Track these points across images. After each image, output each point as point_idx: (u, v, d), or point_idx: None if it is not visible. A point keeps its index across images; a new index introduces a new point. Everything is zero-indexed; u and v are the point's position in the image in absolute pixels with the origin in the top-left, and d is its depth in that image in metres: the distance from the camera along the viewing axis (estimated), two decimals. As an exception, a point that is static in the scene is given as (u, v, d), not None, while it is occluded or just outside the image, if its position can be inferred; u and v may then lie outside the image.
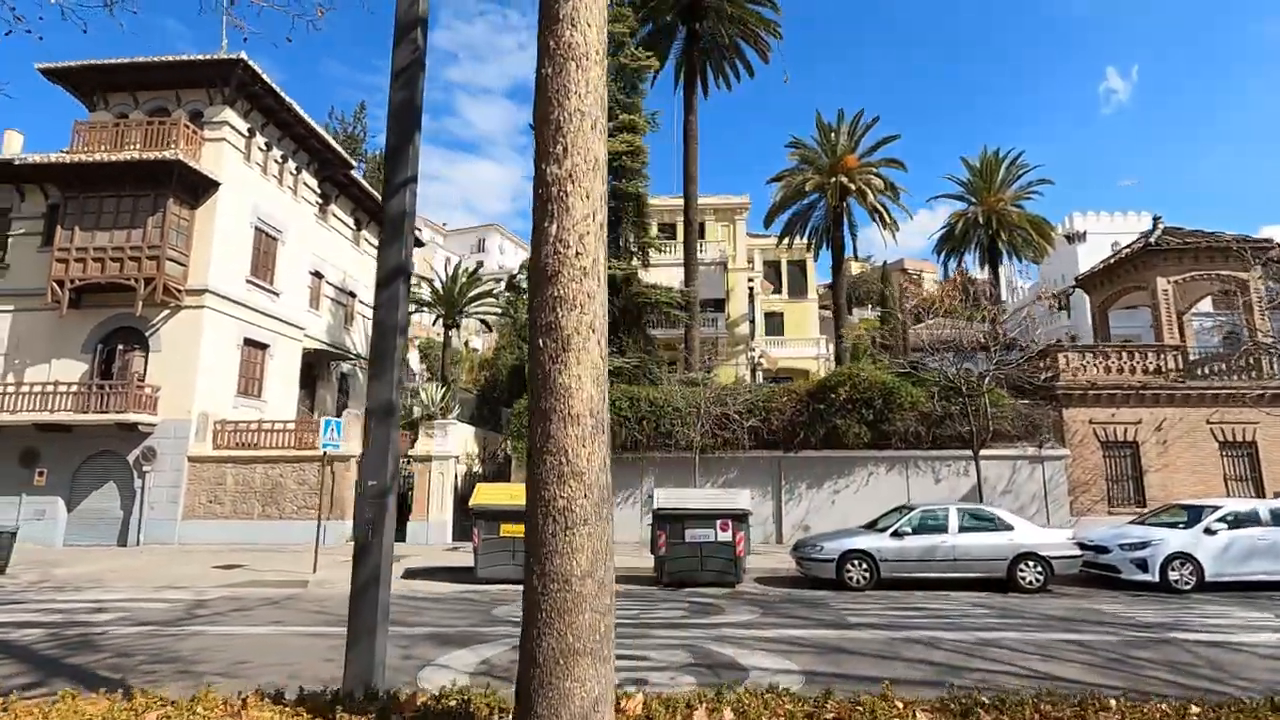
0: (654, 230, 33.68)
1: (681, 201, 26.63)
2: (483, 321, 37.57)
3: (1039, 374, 18.63)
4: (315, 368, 26.83)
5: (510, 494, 12.20)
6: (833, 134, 28.00)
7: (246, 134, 22.03)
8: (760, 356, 33.39)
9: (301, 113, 23.20)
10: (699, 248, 32.78)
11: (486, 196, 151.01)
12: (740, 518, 11.51)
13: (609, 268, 21.89)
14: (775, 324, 38.88)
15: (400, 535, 18.84)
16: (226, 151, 21.02)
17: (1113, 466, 17.86)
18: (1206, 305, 27.68)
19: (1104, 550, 11.86)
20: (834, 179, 26.79)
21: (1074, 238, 46.32)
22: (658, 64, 23.10)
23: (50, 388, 18.80)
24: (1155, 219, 20.64)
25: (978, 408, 16.39)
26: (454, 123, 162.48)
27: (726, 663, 6.54)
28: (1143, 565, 11.25)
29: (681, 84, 25.99)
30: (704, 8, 24.93)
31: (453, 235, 75.54)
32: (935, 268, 66.17)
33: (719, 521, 11.47)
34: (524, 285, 41.89)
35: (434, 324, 35.65)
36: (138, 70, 20.59)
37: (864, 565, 11.30)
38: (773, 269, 39.83)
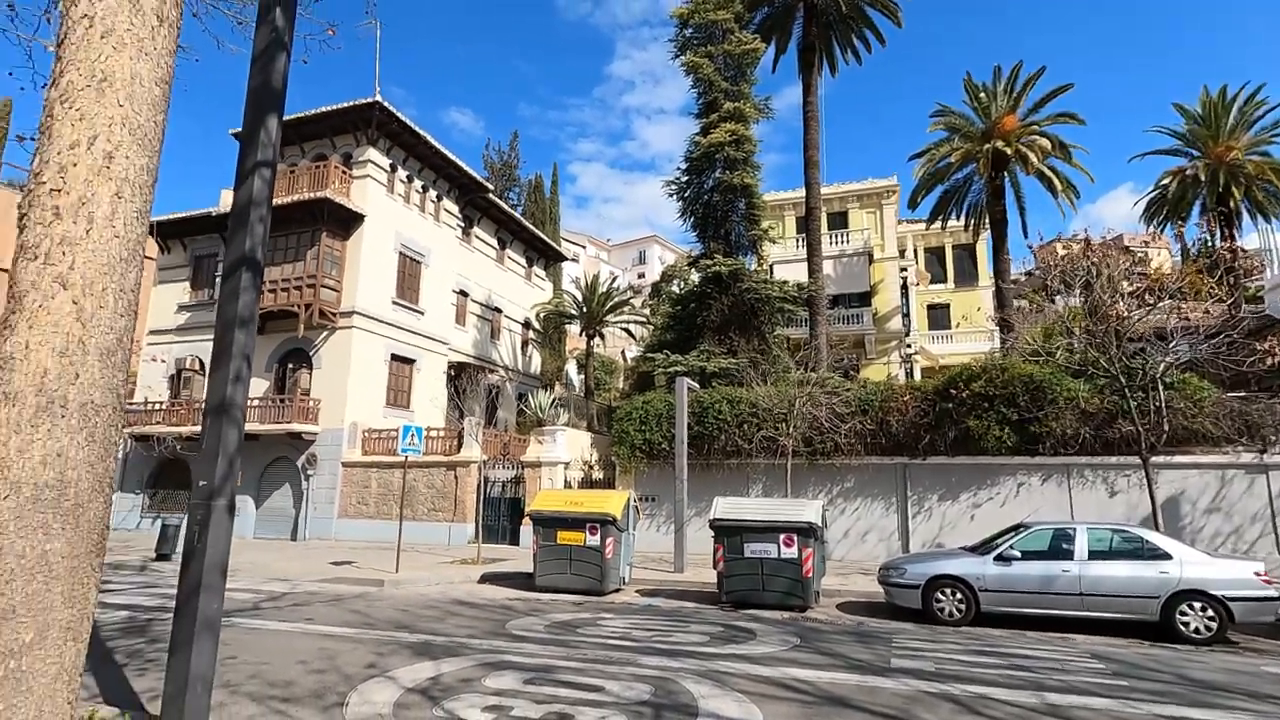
0: (790, 225, 31.90)
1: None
2: (626, 331, 38.01)
3: (1262, 358, 14.43)
4: (462, 380, 28.74)
5: (569, 500, 11.82)
6: (983, 94, 24.31)
7: (389, 169, 24.27)
8: (915, 353, 30.03)
9: (437, 145, 25.11)
10: (842, 238, 30.46)
11: (665, 211, 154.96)
12: (806, 532, 10.01)
13: (714, 264, 21.03)
14: (940, 317, 34.89)
15: (515, 539, 19.34)
16: (370, 186, 23.31)
17: (1380, 479, 13.24)
18: None
19: (1323, 593, 8.58)
20: (986, 146, 23.24)
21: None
22: (764, 46, 21.65)
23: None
24: None
25: (1145, 402, 12.97)
26: (632, 145, 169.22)
27: (683, 704, 5.51)
28: (1384, 617, 7.95)
29: (800, 65, 24.24)
30: (820, -22, 23.07)
31: (616, 249, 78.17)
32: (1167, 240, 55.67)
33: (781, 536, 10.08)
34: (667, 290, 41.80)
35: (579, 335, 36.77)
36: (299, 124, 23.55)
37: (957, 595, 9.23)
38: (935, 256, 35.86)
